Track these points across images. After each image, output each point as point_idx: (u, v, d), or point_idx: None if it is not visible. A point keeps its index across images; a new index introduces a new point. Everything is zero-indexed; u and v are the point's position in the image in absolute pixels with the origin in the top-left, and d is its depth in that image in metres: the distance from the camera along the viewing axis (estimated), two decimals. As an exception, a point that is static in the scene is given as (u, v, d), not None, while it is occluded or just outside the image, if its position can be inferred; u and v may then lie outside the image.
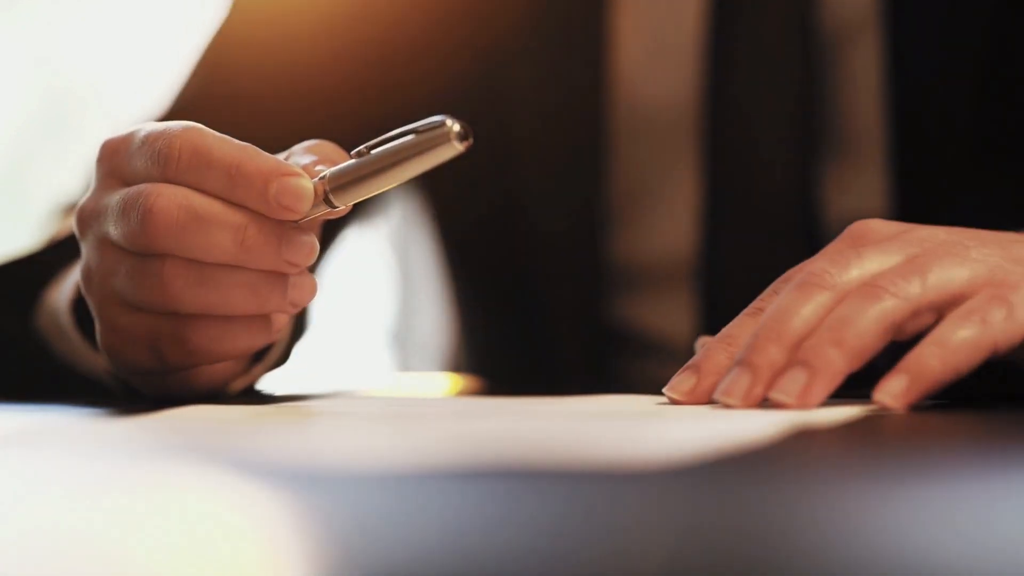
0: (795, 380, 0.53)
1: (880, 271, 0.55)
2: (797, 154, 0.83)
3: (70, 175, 0.94)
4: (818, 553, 0.28)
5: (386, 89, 0.92)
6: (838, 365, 0.53)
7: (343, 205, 0.56)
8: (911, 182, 0.83)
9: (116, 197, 0.58)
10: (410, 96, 0.93)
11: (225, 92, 0.91)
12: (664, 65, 0.87)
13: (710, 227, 0.85)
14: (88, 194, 0.60)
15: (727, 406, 0.54)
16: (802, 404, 0.53)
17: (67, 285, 0.69)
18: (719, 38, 0.85)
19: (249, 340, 0.59)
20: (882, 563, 0.27)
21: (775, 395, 0.53)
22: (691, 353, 0.58)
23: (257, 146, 0.58)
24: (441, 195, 0.95)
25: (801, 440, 0.46)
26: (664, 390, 0.57)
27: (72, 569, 0.27)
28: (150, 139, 0.58)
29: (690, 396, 0.55)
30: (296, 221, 0.56)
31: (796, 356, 0.53)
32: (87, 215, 0.60)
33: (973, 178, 0.69)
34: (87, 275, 0.60)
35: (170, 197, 0.56)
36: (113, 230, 0.58)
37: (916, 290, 0.54)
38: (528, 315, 0.92)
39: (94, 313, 0.61)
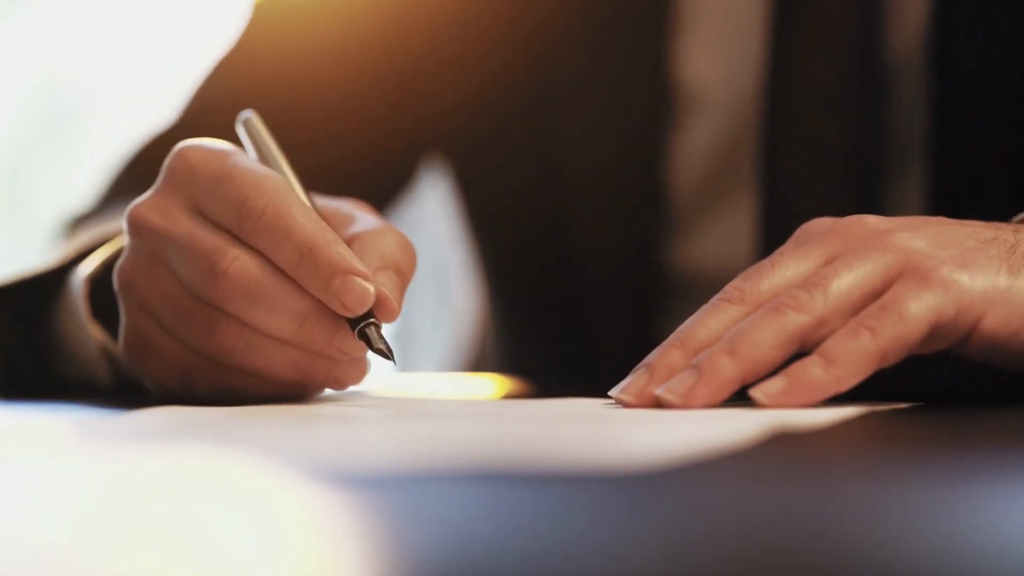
0: (682, 380, 0.55)
1: (788, 283, 0.56)
2: (855, 172, 0.83)
3: (70, 181, 0.94)
4: (797, 554, 0.29)
5: (422, 101, 0.92)
6: (728, 372, 0.54)
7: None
8: (954, 200, 0.82)
9: (185, 233, 0.59)
10: (451, 108, 0.92)
11: (244, 103, 0.90)
12: (726, 80, 0.86)
13: (767, 243, 0.84)
14: (150, 194, 0.61)
15: (620, 403, 0.56)
16: (685, 404, 0.54)
17: (92, 259, 0.69)
18: (780, 58, 0.84)
19: (279, 394, 0.61)
20: (861, 564, 0.28)
21: (661, 393, 0.55)
22: None
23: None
24: (488, 197, 0.95)
25: (777, 443, 0.46)
26: (612, 393, 0.57)
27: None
28: (237, 181, 0.58)
29: (638, 398, 0.56)
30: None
31: (691, 362, 0.55)
32: (144, 220, 0.60)
33: (1015, 205, 0.69)
34: (128, 278, 0.61)
35: (245, 265, 0.58)
36: (178, 267, 0.59)
37: (819, 302, 0.55)
38: (573, 321, 0.91)
39: (124, 317, 0.62)
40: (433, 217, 1.04)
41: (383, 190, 0.92)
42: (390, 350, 0.58)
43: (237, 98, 0.90)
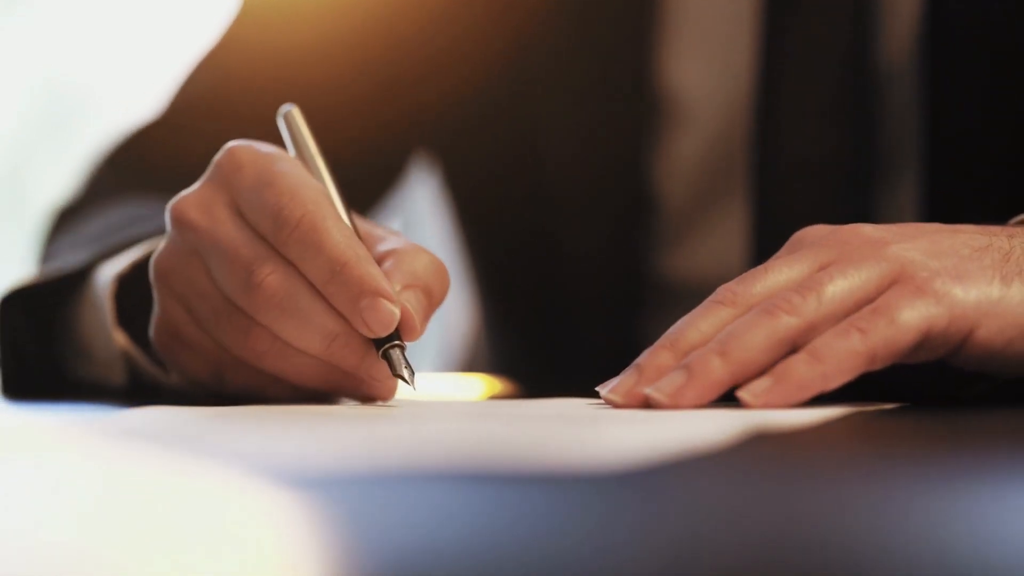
0: (671, 380, 0.55)
1: (782, 286, 0.56)
2: (847, 181, 0.83)
3: (67, 178, 0.94)
4: (779, 554, 0.29)
5: (408, 105, 0.92)
6: (718, 373, 0.54)
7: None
8: (946, 208, 0.82)
9: (225, 237, 0.59)
10: (438, 113, 0.92)
11: (232, 97, 0.90)
12: (716, 89, 0.86)
13: (758, 252, 0.84)
14: (196, 187, 0.61)
15: (609, 403, 0.56)
16: (673, 403, 0.54)
17: (122, 259, 0.69)
18: (769, 66, 0.84)
19: (307, 398, 0.61)
20: (845, 564, 0.28)
21: (650, 391, 0.55)
22: None
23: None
24: (476, 204, 0.95)
25: (758, 442, 0.46)
26: (601, 392, 0.57)
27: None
28: (276, 188, 0.58)
29: (626, 398, 0.56)
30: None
31: (681, 362, 0.55)
32: (187, 216, 0.60)
33: (1008, 208, 0.69)
34: (165, 270, 0.61)
35: (280, 278, 0.58)
36: (215, 269, 0.59)
37: (811, 306, 0.55)
38: (563, 329, 0.91)
39: (157, 307, 0.62)
40: (424, 219, 1.04)
41: (371, 188, 0.93)
42: (412, 375, 0.58)
43: (222, 93, 0.90)
